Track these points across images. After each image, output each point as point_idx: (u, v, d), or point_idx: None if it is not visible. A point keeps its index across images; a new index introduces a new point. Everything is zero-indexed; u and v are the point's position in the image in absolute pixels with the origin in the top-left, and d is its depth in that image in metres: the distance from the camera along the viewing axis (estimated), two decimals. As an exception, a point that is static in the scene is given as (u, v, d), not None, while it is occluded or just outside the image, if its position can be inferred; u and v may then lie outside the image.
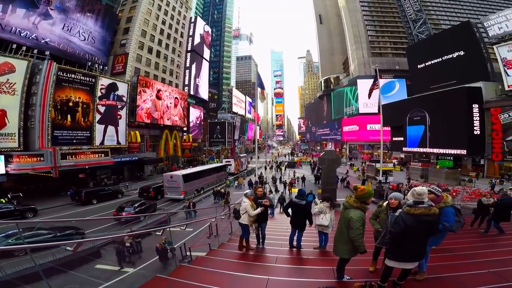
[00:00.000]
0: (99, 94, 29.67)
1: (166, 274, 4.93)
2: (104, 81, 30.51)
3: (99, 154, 28.73)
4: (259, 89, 27.56)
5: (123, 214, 16.35)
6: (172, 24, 48.37)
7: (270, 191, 24.02)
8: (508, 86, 30.32)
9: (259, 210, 6.37)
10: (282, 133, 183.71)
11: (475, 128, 30.46)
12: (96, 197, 22.82)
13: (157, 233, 7.12)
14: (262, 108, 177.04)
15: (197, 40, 56.68)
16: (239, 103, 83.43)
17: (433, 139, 34.38)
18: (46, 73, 24.24)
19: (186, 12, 53.53)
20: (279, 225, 9.69)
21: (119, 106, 32.35)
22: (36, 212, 18.44)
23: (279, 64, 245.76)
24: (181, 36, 51.76)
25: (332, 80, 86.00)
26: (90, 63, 31.04)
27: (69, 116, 26.56)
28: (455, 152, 31.91)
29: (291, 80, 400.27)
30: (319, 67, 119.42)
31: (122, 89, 32.78)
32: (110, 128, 31.19)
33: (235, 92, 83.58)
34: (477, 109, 30.56)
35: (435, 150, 34.62)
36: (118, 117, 32.24)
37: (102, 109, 30.08)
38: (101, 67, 32.44)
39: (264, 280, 4.60)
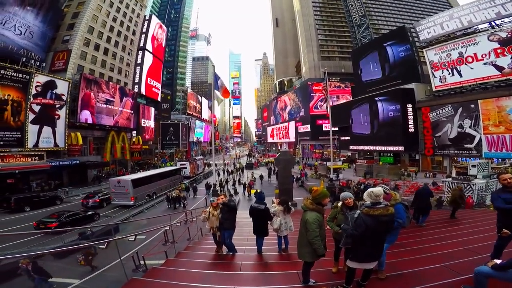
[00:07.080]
0: (33, 92, 27.23)
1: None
2: (40, 78, 28.14)
3: (33, 158, 26.45)
4: (217, 90, 26.15)
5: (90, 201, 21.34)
6: (124, 22, 46.08)
7: (231, 195, 24.17)
8: (435, 87, 33.34)
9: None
10: (239, 135, 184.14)
11: (409, 126, 32.83)
12: (29, 204, 20.86)
13: (100, 246, 6.18)
14: (219, 109, 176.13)
15: (150, 38, 54.64)
16: (194, 104, 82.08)
17: (375, 137, 36.65)
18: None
19: (140, 10, 51.38)
20: (241, 230, 9.49)
21: (57, 105, 29.93)
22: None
23: (237, 66, 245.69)
24: (133, 34, 49.39)
25: (286, 82, 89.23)
26: (25, 58, 28.69)
27: (-6, 115, 23.93)
28: (394, 149, 34.49)
29: (248, 81, 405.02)
30: (274, 69, 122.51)
31: (62, 87, 30.49)
32: (46, 129, 28.67)
33: (191, 92, 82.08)
34: (411, 108, 33.06)
35: (377, 148, 37.13)
36: (56, 117, 29.78)
37: (36, 108, 27.59)
38: (37, 64, 30.11)
39: None
